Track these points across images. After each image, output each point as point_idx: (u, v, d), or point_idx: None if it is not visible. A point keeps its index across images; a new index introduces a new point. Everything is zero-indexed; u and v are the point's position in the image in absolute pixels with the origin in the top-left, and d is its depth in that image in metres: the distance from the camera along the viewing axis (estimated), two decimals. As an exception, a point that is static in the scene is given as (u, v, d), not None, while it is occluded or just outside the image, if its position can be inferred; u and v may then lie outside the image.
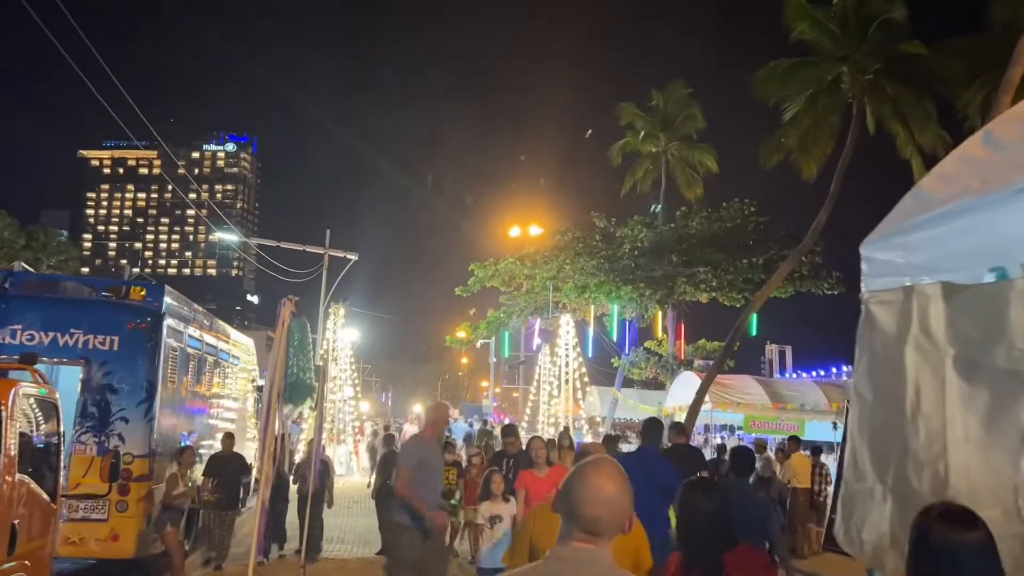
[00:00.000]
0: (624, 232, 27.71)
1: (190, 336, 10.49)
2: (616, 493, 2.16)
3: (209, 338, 11.59)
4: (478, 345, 41.53)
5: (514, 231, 33.41)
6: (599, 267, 26.60)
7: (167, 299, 9.58)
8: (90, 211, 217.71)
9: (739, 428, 27.83)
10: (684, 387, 25.49)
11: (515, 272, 29.06)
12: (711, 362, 29.20)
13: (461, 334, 36.20)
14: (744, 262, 26.53)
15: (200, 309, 11.53)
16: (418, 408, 56.62)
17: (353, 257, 23.31)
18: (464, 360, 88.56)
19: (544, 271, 27.62)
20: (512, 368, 54.17)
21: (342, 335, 24.41)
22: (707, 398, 23.84)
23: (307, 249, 23.56)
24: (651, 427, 7.18)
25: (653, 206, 31.32)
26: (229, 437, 10.58)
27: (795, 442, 13.73)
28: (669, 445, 9.14)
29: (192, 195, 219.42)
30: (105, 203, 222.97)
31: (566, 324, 23.16)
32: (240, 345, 14.20)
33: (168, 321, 9.43)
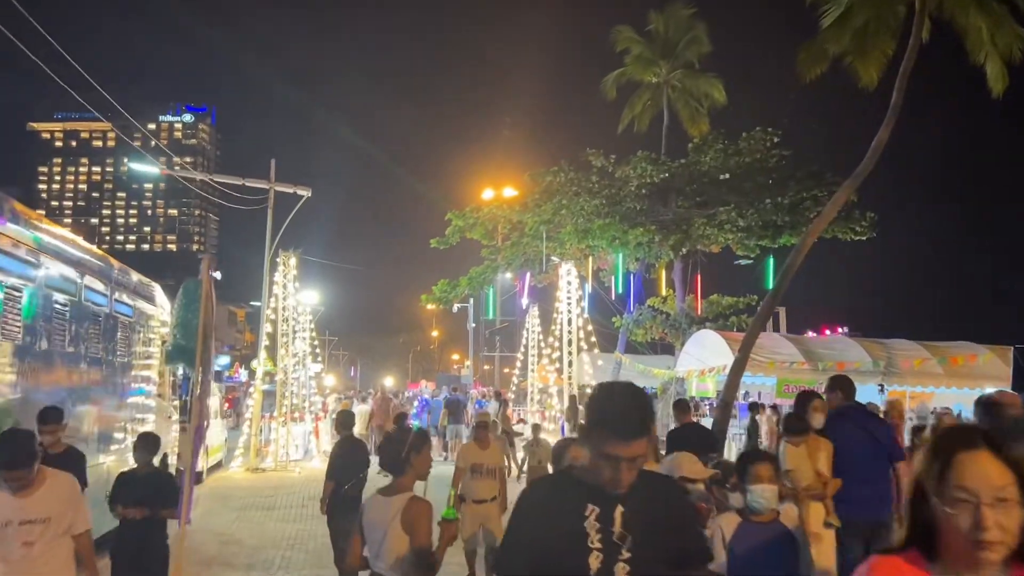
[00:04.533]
0: (626, 171, 23.76)
1: (6, 255, 6.35)
2: None
3: (58, 268, 7.41)
4: (454, 309, 37.53)
5: (487, 193, 29.27)
6: (600, 209, 22.70)
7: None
8: (43, 186, 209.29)
9: (746, 397, 24.39)
10: (702, 347, 21.81)
11: (500, 219, 25.05)
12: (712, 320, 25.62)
13: (430, 306, 32.28)
14: (768, 202, 22.78)
15: (41, 219, 7.34)
16: (389, 382, 52.66)
17: (305, 193, 19.10)
18: (435, 333, 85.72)
19: (535, 215, 23.60)
20: (492, 334, 50.31)
21: (300, 296, 20.32)
22: (732, 359, 20.38)
23: (247, 183, 19.32)
24: (845, 383, 6.34)
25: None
26: None
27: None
28: (675, 426, 8.55)
29: (151, 171, 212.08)
30: (58, 178, 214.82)
31: (567, 274, 19.25)
32: (139, 292, 10.07)
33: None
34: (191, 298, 5.48)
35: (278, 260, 18.53)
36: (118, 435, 9.16)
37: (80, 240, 8.41)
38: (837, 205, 16.94)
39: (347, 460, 7.32)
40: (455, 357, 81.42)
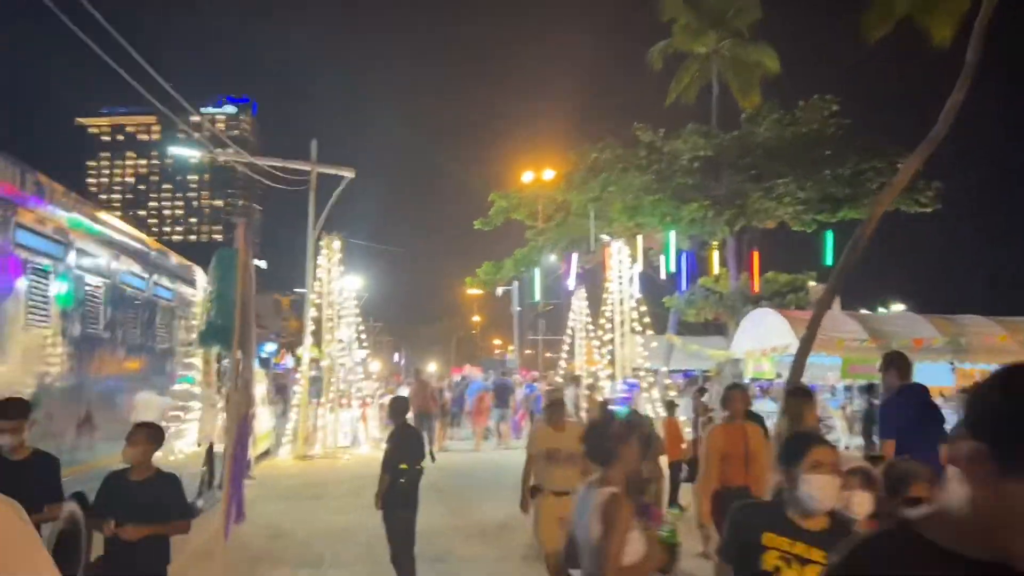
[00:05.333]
0: (675, 145, 22.90)
1: (21, 226, 5.72)
2: None
3: (91, 248, 6.92)
4: (499, 293, 37.02)
5: (527, 176, 28.50)
6: (649, 185, 21.90)
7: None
8: (91, 180, 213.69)
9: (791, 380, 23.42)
10: (760, 327, 20.94)
11: (544, 198, 24.38)
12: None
13: (472, 291, 31.67)
14: (827, 174, 21.76)
15: (70, 194, 6.86)
16: (432, 367, 52.41)
17: (348, 174, 18.62)
18: (476, 318, 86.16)
19: (582, 193, 22.85)
20: (536, 318, 49.67)
21: (344, 281, 19.90)
22: (795, 339, 19.53)
23: (289, 164, 18.91)
24: (902, 360, 6.01)
25: None
26: None
27: None
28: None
29: (193, 159, 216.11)
30: (106, 171, 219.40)
31: (618, 252, 18.50)
32: (179, 275, 9.66)
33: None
34: (226, 268, 4.88)
35: (321, 244, 18.17)
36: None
37: (115, 220, 7.99)
38: (908, 172, 15.93)
39: (403, 451, 6.75)
40: (496, 342, 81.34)
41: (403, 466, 6.64)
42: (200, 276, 10.83)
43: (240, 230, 4.83)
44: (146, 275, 8.28)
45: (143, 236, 8.89)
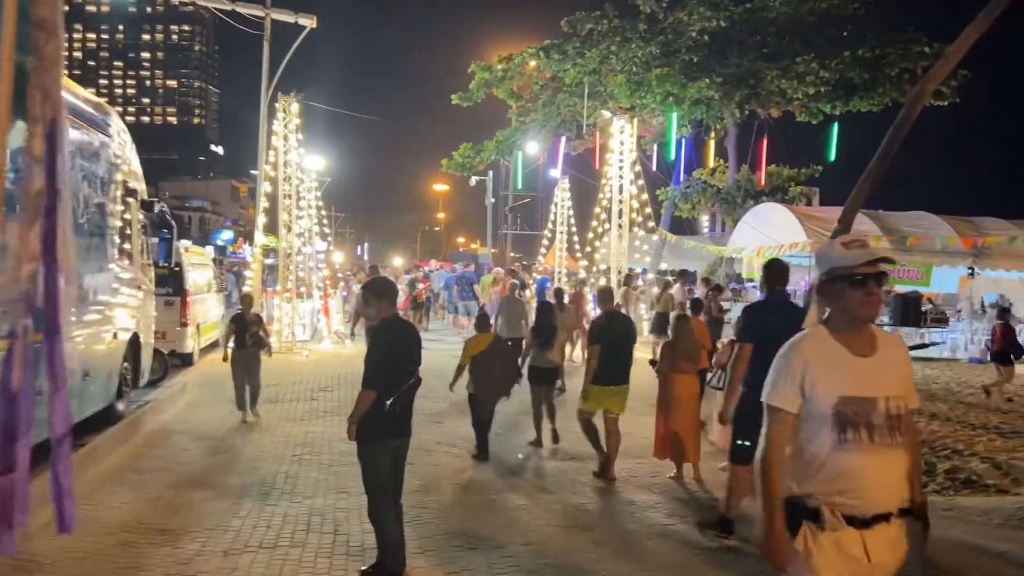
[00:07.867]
0: (680, 17, 20.41)
1: None
2: None
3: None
4: (473, 182, 34.59)
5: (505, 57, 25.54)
6: (652, 59, 19.46)
7: None
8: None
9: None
10: (767, 224, 19.17)
11: (533, 72, 21.78)
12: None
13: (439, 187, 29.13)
14: (846, 55, 19.56)
15: None
16: (399, 261, 50.31)
17: (309, 23, 15.84)
18: (441, 215, 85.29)
19: (580, 64, 20.28)
20: (510, 211, 47.60)
21: (302, 156, 17.39)
22: (807, 237, 17.88)
23: (239, 8, 16.05)
24: (776, 269, 5.67)
25: None
26: None
27: None
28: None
29: (146, 36, 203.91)
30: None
31: (619, 132, 16.25)
32: (83, 117, 7.31)
33: None
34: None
35: (277, 106, 15.59)
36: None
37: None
38: (967, 44, 13.81)
39: (393, 354, 4.61)
40: (460, 240, 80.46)
41: (388, 402, 4.47)
42: (116, 122, 8.46)
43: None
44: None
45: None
